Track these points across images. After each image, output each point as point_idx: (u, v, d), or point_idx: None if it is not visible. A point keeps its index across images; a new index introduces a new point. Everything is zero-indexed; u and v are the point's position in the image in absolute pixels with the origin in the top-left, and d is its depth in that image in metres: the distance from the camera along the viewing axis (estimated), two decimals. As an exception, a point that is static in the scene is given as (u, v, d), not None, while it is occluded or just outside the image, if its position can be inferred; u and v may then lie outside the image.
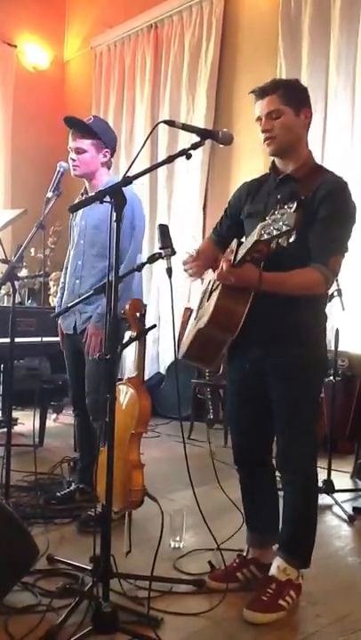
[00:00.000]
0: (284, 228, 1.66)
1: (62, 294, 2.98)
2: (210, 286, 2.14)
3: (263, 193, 2.12)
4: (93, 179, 2.83)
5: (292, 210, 1.66)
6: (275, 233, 1.68)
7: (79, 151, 2.77)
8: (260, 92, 2.01)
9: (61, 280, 3.06)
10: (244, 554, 2.22)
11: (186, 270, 2.18)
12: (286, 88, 2.01)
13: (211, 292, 2.09)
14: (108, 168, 2.88)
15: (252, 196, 2.16)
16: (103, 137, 2.80)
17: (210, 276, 2.19)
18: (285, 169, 2.07)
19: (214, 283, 2.06)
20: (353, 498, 3.23)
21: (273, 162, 2.12)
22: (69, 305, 2.45)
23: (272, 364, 2.03)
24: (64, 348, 3.00)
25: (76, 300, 2.44)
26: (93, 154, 2.78)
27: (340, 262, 1.97)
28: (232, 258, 1.90)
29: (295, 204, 1.67)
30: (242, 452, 2.22)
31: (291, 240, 1.71)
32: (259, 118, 2.02)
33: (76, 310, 2.74)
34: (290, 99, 1.98)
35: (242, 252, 1.86)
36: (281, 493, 2.14)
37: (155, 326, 2.41)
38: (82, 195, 2.87)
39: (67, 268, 2.99)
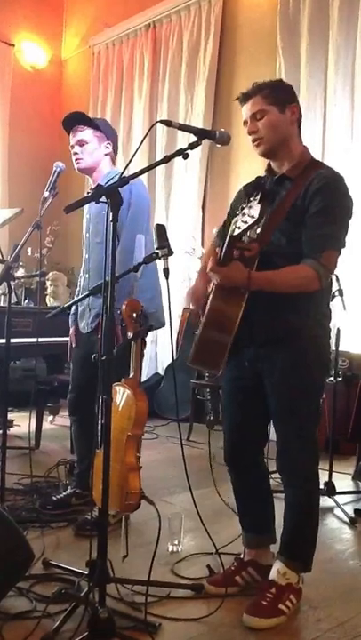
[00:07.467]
0: (250, 221, 1.74)
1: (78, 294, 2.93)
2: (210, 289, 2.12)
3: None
4: (95, 172, 2.76)
5: (257, 202, 1.74)
6: (243, 226, 1.76)
7: (81, 143, 2.71)
8: (244, 97, 2.01)
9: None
10: (242, 556, 2.19)
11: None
12: (269, 88, 1.99)
13: (208, 296, 2.07)
14: (113, 162, 2.82)
15: (249, 199, 2.13)
16: (103, 128, 2.75)
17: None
18: (280, 169, 2.04)
19: (212, 286, 2.04)
20: (354, 500, 3.19)
21: (268, 163, 2.10)
22: (64, 306, 2.41)
23: (270, 364, 1.99)
24: (74, 349, 2.86)
25: (71, 302, 2.41)
26: (96, 145, 2.72)
27: (336, 258, 1.92)
28: (218, 256, 1.89)
29: (259, 196, 1.75)
30: (233, 452, 2.17)
31: (258, 231, 1.79)
32: (245, 122, 2.02)
33: (86, 307, 2.69)
34: (273, 97, 1.97)
35: (224, 249, 1.86)
36: (282, 495, 2.10)
37: (152, 327, 2.38)
38: (87, 193, 2.81)
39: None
